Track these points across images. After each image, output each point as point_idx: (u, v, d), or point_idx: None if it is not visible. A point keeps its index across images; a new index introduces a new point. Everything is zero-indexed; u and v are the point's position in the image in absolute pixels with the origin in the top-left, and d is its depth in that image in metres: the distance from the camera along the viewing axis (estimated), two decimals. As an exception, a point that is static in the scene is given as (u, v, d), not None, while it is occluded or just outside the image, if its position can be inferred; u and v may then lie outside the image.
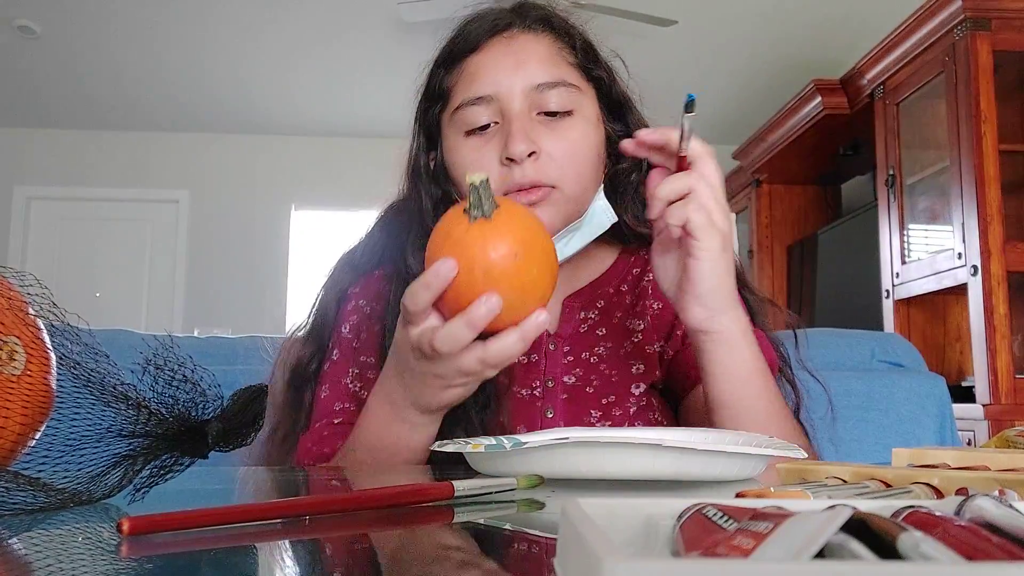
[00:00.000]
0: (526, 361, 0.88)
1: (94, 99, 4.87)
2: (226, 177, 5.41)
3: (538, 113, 0.81)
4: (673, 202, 0.68)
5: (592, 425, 0.84)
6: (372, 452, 0.75)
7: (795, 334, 0.94)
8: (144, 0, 3.77)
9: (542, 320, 0.61)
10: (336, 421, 0.85)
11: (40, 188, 5.32)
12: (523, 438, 0.63)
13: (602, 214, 0.86)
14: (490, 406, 0.81)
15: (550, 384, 0.87)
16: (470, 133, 0.82)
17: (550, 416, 0.85)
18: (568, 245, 0.85)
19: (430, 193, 0.88)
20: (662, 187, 0.68)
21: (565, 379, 0.87)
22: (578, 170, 0.82)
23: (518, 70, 0.81)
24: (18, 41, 4.13)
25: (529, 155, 0.79)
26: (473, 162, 0.81)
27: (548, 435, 0.66)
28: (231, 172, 5.42)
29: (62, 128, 5.29)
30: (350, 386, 0.87)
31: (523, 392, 0.86)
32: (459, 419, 0.78)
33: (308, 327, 0.93)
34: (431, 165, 0.89)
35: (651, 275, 0.91)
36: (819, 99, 3.62)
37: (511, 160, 0.79)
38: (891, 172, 3.23)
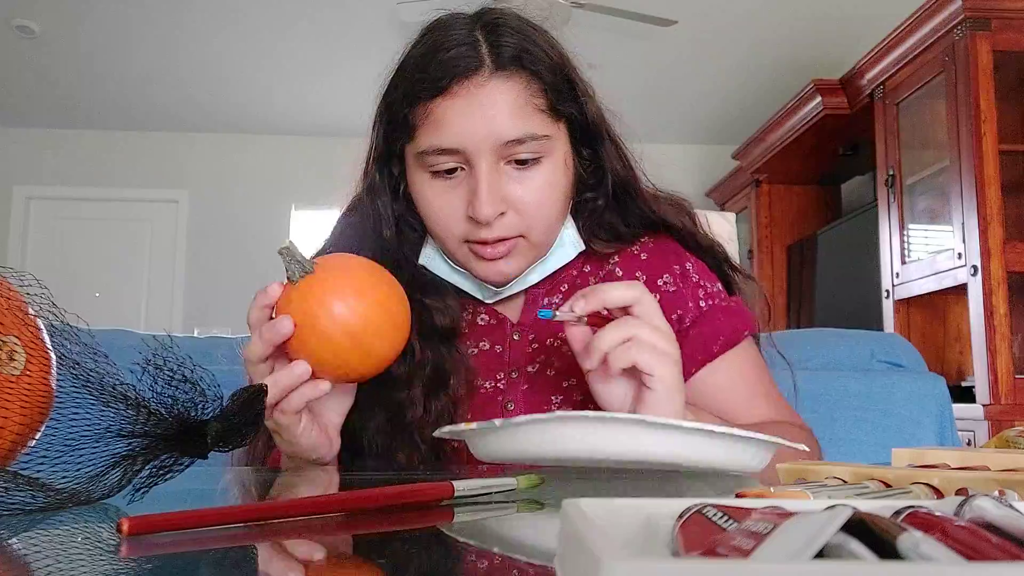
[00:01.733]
0: (488, 349, 0.88)
1: (93, 99, 4.87)
2: (226, 177, 5.41)
3: (506, 163, 0.79)
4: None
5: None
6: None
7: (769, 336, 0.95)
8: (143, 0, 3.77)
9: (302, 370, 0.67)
10: None
11: (39, 188, 5.32)
12: (515, 420, 0.65)
13: (570, 245, 0.88)
14: (446, 413, 0.82)
15: (514, 375, 0.87)
16: (436, 175, 0.81)
17: (510, 409, 0.85)
18: (532, 275, 0.86)
19: (388, 207, 0.87)
20: (602, 339, 0.67)
21: (529, 368, 0.87)
22: (546, 216, 0.82)
23: (486, 124, 0.77)
24: (17, 41, 4.13)
25: (497, 215, 0.78)
26: (439, 209, 0.81)
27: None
28: (231, 172, 5.41)
29: (61, 128, 5.28)
30: None
31: (487, 385, 0.86)
32: (407, 426, 0.81)
33: None
34: (391, 184, 0.88)
35: (617, 258, 0.91)
36: (819, 99, 3.62)
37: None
38: (891, 172, 3.23)
